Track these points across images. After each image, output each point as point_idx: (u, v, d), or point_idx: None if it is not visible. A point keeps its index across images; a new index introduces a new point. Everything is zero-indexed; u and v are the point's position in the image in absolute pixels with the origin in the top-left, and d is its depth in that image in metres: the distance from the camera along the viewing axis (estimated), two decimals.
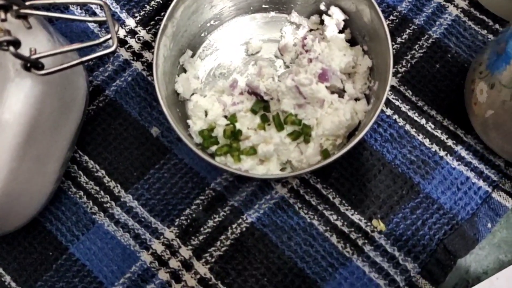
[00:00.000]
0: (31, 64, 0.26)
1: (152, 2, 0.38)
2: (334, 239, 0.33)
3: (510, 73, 0.29)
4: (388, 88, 0.30)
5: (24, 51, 0.26)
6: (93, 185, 0.35)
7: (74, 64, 0.27)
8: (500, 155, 0.35)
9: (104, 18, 0.28)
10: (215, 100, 0.35)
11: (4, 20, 0.25)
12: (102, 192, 0.35)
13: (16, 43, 0.25)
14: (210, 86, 0.36)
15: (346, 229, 0.34)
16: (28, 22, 0.27)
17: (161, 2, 0.38)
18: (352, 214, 0.34)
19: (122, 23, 0.37)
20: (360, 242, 0.33)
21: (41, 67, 0.26)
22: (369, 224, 0.34)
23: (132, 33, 0.37)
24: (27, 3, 0.27)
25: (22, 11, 0.27)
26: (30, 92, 0.27)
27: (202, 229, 0.34)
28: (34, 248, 0.34)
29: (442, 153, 0.35)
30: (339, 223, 0.34)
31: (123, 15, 0.37)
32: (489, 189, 0.34)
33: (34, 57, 0.26)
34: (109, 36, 0.28)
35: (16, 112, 0.27)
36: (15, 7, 0.26)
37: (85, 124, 0.35)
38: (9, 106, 0.27)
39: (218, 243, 0.34)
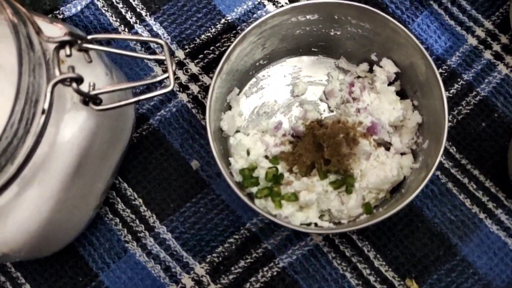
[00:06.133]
0: (89, 99, 0.26)
1: (202, 36, 0.38)
2: None
3: None
4: (442, 151, 0.29)
5: (83, 85, 0.26)
6: (129, 213, 0.35)
7: (131, 102, 0.27)
8: None
9: (163, 57, 0.28)
10: (258, 139, 0.35)
11: (69, 55, 0.26)
12: (137, 221, 0.35)
13: (79, 80, 0.25)
14: (254, 125, 0.36)
15: (378, 286, 0.33)
16: (89, 56, 0.27)
17: (211, 36, 0.38)
18: (386, 271, 0.33)
19: (172, 54, 0.37)
20: None
21: (99, 102, 0.27)
22: (402, 283, 0.33)
23: (180, 64, 0.37)
24: (89, 37, 0.27)
25: (85, 45, 0.27)
26: (84, 124, 0.27)
27: (233, 268, 0.34)
28: (65, 272, 0.34)
29: (481, 216, 0.35)
30: (372, 278, 0.33)
31: (173, 46, 0.38)
32: None
33: (93, 93, 0.26)
34: (166, 75, 0.28)
35: (69, 143, 0.27)
36: (78, 41, 0.27)
37: (127, 152, 0.35)
38: (63, 137, 0.27)
39: (248, 284, 0.34)
